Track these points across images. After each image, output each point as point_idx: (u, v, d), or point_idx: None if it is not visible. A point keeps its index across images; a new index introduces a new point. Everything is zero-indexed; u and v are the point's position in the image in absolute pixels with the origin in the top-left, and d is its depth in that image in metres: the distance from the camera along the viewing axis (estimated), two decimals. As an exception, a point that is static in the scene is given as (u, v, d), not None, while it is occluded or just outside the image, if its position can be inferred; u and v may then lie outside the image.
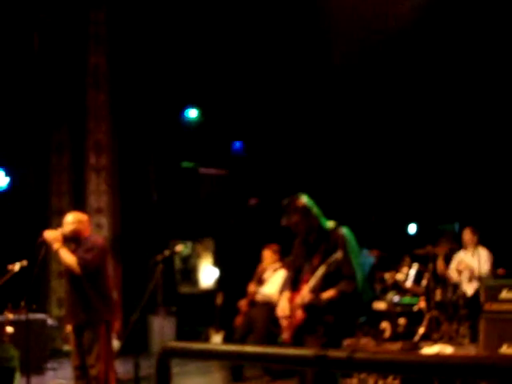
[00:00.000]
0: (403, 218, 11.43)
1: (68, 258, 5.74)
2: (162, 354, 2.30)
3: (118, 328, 8.48)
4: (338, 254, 4.29)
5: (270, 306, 7.92)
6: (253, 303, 7.98)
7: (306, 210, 4.55)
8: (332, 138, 11.05)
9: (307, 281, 4.44)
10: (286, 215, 4.57)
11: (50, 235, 5.69)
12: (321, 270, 4.33)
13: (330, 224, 4.60)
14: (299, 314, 4.39)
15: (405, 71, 10.11)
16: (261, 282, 8.12)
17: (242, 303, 8.12)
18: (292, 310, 4.44)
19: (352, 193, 11.19)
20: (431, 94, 10.31)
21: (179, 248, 6.00)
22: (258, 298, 8.01)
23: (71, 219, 5.89)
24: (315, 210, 4.59)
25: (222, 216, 10.95)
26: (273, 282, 8.03)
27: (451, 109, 10.25)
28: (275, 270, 8.13)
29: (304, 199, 4.60)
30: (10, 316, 6.20)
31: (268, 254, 8.20)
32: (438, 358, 1.68)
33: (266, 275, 8.18)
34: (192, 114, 11.38)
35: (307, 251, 4.58)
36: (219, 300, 9.44)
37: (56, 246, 5.71)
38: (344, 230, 4.53)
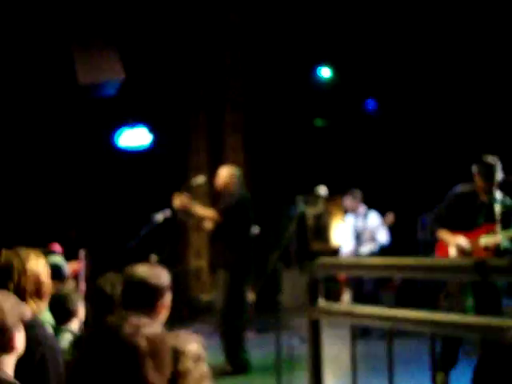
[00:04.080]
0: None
1: (205, 211, 6.25)
2: (315, 267, 2.37)
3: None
4: None
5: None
6: None
7: None
8: (469, 96, 10.61)
9: None
10: None
11: (182, 201, 6.17)
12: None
13: None
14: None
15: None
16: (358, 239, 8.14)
17: None
18: None
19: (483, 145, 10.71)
20: None
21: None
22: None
23: (224, 173, 6.36)
24: None
25: (354, 174, 10.88)
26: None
27: None
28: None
29: None
30: (155, 259, 6.59)
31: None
32: None
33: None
34: (325, 73, 11.33)
35: None
36: (352, 257, 9.46)
37: (191, 208, 6.22)
38: None
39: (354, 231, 8.30)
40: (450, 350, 5.15)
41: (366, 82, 11.15)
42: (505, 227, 5.17)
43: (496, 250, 5.04)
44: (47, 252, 6.14)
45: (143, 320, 1.82)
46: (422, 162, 10.61)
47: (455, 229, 5.26)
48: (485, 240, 5.13)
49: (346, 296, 9.43)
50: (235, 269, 6.18)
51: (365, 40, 10.72)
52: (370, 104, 11.58)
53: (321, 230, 11.19)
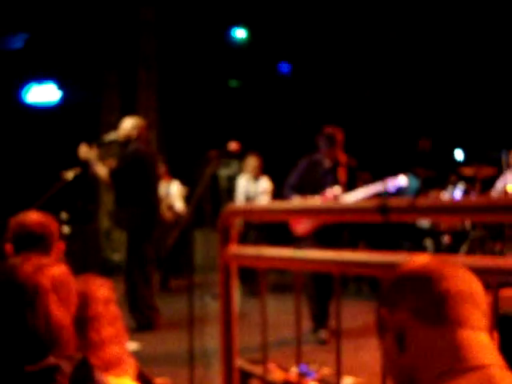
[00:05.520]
0: (450, 144, 11.31)
1: (101, 170, 6.07)
2: (226, 213, 2.41)
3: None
4: None
5: None
6: None
7: None
8: (379, 57, 10.88)
9: None
10: None
11: (85, 153, 6.01)
12: None
13: None
14: None
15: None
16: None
17: None
18: None
19: (399, 117, 11.09)
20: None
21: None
22: None
23: (126, 125, 6.16)
24: None
25: (267, 136, 11.00)
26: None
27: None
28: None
29: None
30: (65, 216, 6.48)
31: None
32: (506, 200, 1.73)
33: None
34: (239, 33, 11.31)
35: None
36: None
37: (93, 163, 6.05)
38: None
39: (245, 195, 8.19)
40: (320, 306, 5.59)
41: (279, 44, 11.23)
42: (349, 188, 5.66)
43: None
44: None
45: (46, 260, 1.80)
46: (332, 124, 10.84)
47: (306, 194, 5.68)
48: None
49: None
50: (131, 229, 6.15)
51: (279, 2, 10.75)
52: (284, 66, 11.68)
53: (233, 192, 11.28)
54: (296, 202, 4.69)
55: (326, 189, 5.70)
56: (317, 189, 5.71)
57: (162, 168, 8.59)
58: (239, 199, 8.24)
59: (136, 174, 6.06)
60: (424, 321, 1.29)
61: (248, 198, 8.17)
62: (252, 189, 8.21)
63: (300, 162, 5.96)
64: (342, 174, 5.75)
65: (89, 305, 2.11)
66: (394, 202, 1.87)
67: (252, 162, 8.24)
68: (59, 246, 3.03)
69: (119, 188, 6.09)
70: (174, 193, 8.72)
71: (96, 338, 2.11)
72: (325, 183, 5.73)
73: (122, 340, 2.19)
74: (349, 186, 5.69)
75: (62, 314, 1.72)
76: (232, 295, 2.48)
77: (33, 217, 3.02)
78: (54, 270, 1.76)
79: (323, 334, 5.62)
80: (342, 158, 5.83)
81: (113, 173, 6.02)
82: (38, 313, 1.67)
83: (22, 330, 1.65)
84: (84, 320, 2.07)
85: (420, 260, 1.38)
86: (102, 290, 2.17)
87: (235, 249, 2.33)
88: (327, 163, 5.81)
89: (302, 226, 5.59)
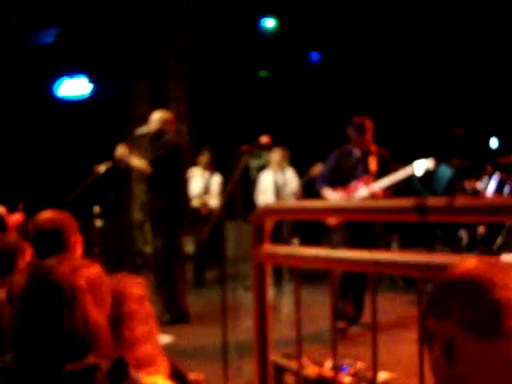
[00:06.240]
0: (484, 132, 11.12)
1: (139, 163, 6.14)
2: (260, 212, 2.39)
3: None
4: None
5: None
6: None
7: None
8: (412, 44, 10.73)
9: None
10: None
11: (121, 152, 6.09)
12: None
13: None
14: None
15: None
16: None
17: None
18: None
19: (431, 106, 10.93)
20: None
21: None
22: None
23: (157, 118, 6.21)
24: None
25: (296, 126, 10.94)
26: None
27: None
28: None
29: None
30: (98, 210, 6.52)
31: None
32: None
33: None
34: (269, 23, 11.25)
35: None
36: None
37: (128, 159, 6.12)
38: None
39: (275, 186, 8.30)
40: (355, 298, 5.56)
41: (309, 33, 11.13)
42: (381, 177, 5.63)
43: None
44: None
45: (80, 261, 1.81)
46: (364, 114, 10.74)
47: (338, 185, 5.72)
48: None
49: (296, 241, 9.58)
50: (168, 218, 6.18)
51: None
52: (314, 55, 11.58)
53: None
54: (331, 200, 4.66)
55: (357, 179, 5.71)
56: (348, 179, 5.73)
57: (205, 158, 8.56)
58: (268, 195, 8.28)
59: (174, 163, 6.15)
60: (475, 333, 1.20)
61: (277, 190, 8.25)
62: (280, 180, 8.29)
63: (331, 154, 5.97)
64: (372, 163, 5.71)
65: (123, 303, 2.12)
66: (432, 201, 1.82)
67: (276, 156, 8.35)
68: (76, 240, 3.05)
69: (156, 177, 6.14)
70: (213, 187, 8.56)
71: (129, 336, 2.11)
72: (356, 173, 5.73)
73: (155, 338, 2.20)
74: (380, 176, 5.66)
75: (98, 313, 1.74)
76: (266, 293, 2.47)
77: (44, 215, 3.06)
78: (89, 270, 1.77)
79: (340, 324, 5.53)
80: (373, 147, 5.79)
81: (154, 161, 6.08)
82: (76, 314, 1.68)
83: (60, 331, 1.67)
84: (118, 318, 2.07)
85: (468, 264, 1.27)
86: (136, 288, 2.17)
87: (269, 248, 2.30)
88: (357, 153, 5.80)
89: (333, 217, 5.59)
